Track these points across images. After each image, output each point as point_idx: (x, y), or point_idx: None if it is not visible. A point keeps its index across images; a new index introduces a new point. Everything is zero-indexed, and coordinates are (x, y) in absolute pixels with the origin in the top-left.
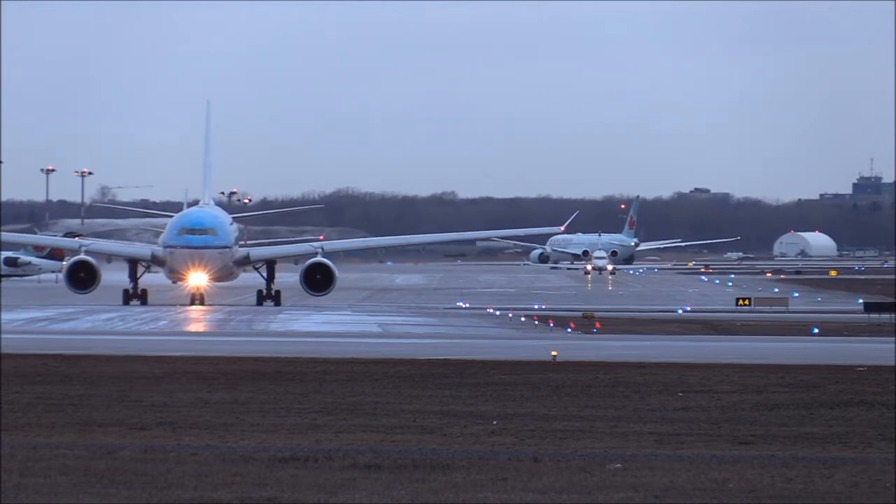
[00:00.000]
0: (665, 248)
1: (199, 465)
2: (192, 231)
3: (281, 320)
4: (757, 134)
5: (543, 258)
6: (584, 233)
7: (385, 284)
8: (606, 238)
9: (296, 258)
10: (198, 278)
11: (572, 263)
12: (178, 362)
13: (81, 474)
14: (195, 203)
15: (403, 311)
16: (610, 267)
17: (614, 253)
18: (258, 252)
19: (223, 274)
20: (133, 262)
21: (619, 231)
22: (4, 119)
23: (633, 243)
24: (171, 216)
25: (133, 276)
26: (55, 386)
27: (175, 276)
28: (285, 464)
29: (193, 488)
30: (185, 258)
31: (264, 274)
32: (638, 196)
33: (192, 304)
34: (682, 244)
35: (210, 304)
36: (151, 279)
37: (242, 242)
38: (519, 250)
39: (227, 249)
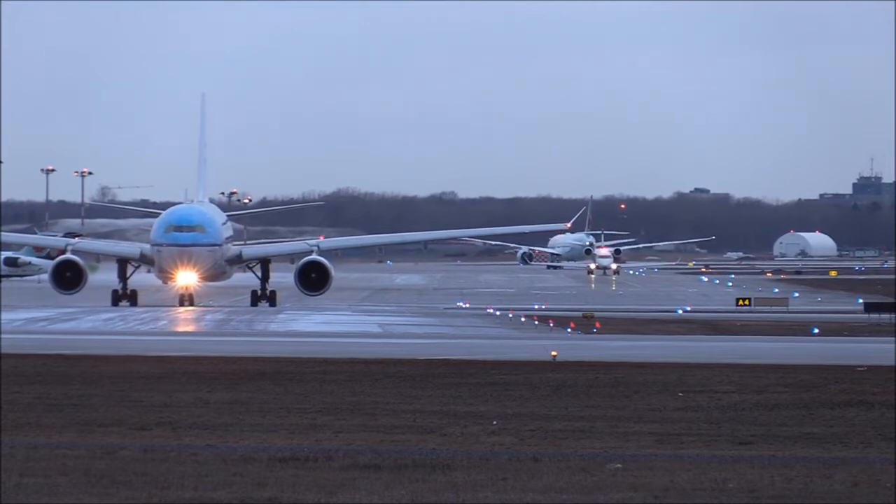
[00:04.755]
0: (640, 248)
1: (199, 465)
2: (179, 228)
3: (280, 320)
4: (757, 134)
5: (527, 257)
6: (572, 232)
7: (385, 284)
8: (570, 238)
9: (292, 257)
10: (186, 278)
11: (552, 261)
12: (178, 362)
13: (81, 474)
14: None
15: (403, 311)
16: (614, 266)
17: (617, 251)
18: (251, 250)
19: (214, 273)
20: (122, 262)
21: (610, 230)
22: (4, 119)
23: (588, 242)
24: None
25: (122, 276)
26: (55, 386)
27: (164, 275)
28: (285, 464)
29: (193, 488)
30: (172, 257)
31: (258, 273)
32: (591, 196)
33: (181, 304)
34: (639, 245)
35: (201, 306)
36: (145, 279)
37: (242, 242)
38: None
39: (217, 247)
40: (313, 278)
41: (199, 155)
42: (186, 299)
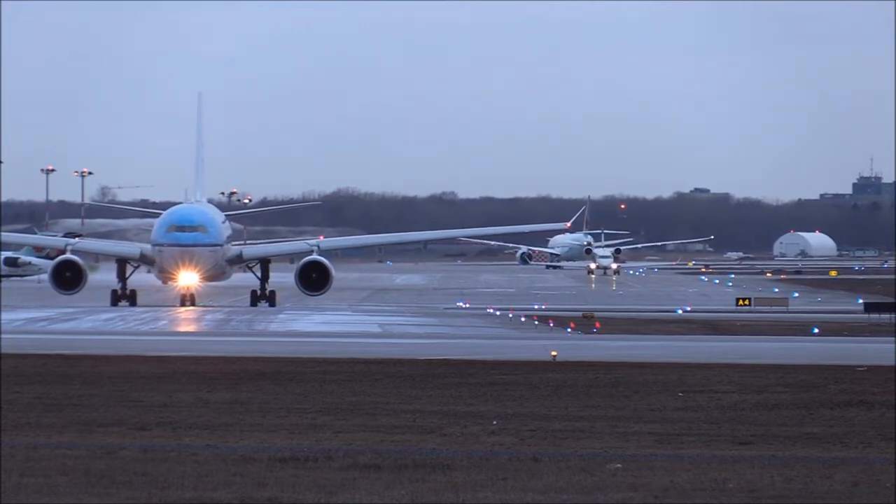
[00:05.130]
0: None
1: (199, 465)
2: (181, 228)
3: (280, 320)
4: (757, 134)
5: (527, 257)
6: (571, 232)
7: (385, 284)
8: (569, 238)
9: (291, 257)
10: (188, 278)
11: (551, 261)
12: (178, 362)
13: (81, 474)
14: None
15: (403, 311)
16: (614, 266)
17: (618, 251)
18: (251, 250)
19: (215, 273)
20: (121, 262)
21: (609, 230)
22: (4, 119)
23: (585, 242)
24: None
25: (121, 277)
26: (55, 386)
27: (165, 275)
28: (285, 464)
29: (193, 488)
30: (174, 257)
31: (258, 273)
32: (589, 196)
33: (183, 305)
34: (637, 245)
35: (202, 306)
36: (144, 279)
37: (242, 242)
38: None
39: (219, 247)
40: (314, 278)
41: (196, 155)
42: (188, 299)
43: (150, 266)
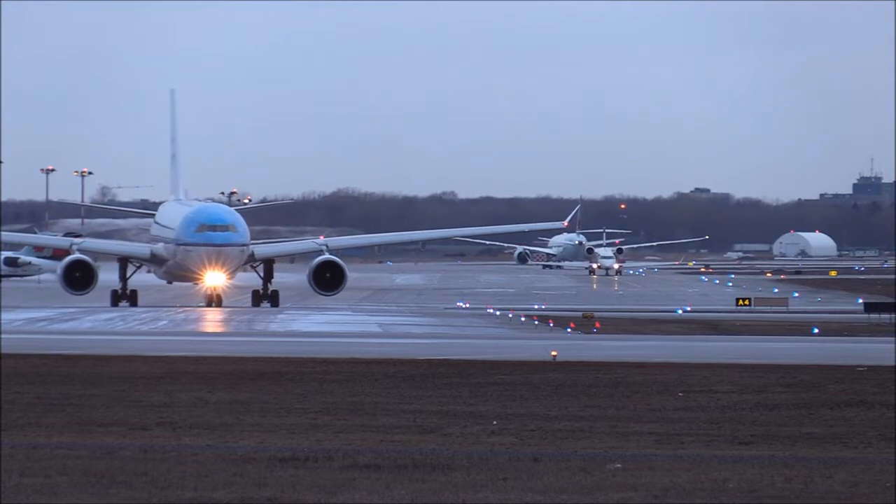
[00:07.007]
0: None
1: (199, 465)
2: (213, 227)
3: (281, 320)
4: (757, 134)
5: (524, 257)
6: (569, 231)
7: (385, 284)
8: (563, 238)
9: (294, 256)
10: (215, 278)
11: (548, 261)
12: (178, 362)
13: (81, 474)
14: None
15: (403, 311)
16: (616, 266)
17: (619, 251)
18: (262, 250)
19: (234, 273)
20: (123, 262)
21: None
22: (4, 119)
23: (577, 242)
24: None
25: (123, 277)
26: (55, 386)
27: (180, 275)
28: (285, 464)
29: (193, 488)
30: (201, 256)
31: (261, 273)
32: (581, 196)
33: (209, 305)
34: (635, 246)
35: (227, 306)
36: (145, 279)
37: None
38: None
39: (245, 247)
40: (328, 278)
41: (171, 152)
42: (214, 300)
43: (160, 266)
